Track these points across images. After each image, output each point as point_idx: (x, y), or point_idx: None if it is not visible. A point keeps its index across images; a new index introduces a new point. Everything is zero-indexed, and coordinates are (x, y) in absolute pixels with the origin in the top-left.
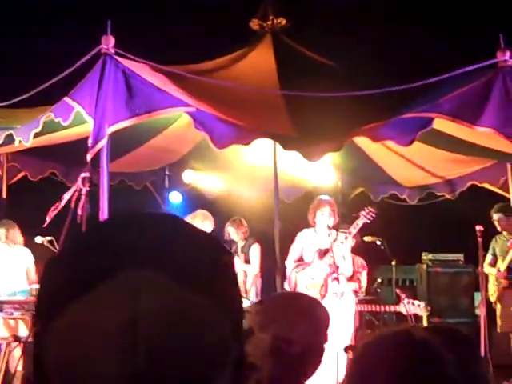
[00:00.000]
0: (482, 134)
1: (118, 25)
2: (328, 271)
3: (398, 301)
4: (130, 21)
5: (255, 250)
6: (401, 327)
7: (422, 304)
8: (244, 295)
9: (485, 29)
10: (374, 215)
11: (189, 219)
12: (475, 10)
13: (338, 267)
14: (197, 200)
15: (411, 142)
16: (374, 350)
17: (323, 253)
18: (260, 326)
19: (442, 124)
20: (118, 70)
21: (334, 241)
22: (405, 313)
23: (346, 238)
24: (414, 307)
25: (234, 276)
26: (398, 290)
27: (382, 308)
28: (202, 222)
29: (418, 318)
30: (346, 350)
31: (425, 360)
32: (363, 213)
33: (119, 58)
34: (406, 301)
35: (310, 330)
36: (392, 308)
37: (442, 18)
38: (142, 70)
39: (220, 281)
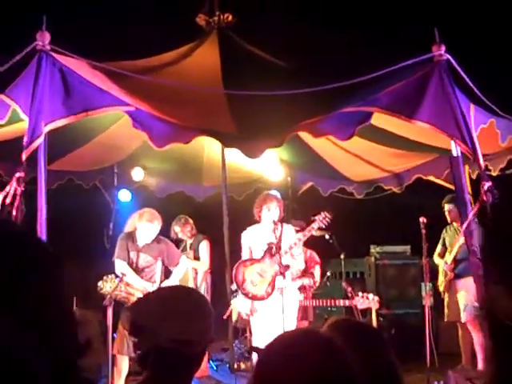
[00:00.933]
0: (421, 129)
1: (54, 20)
2: (277, 269)
3: (346, 294)
4: (68, 16)
5: (204, 247)
6: (305, 327)
7: (376, 297)
8: None
9: (420, 23)
10: (329, 220)
11: (136, 218)
12: (411, 3)
13: (288, 266)
14: (146, 198)
15: (351, 136)
16: (277, 351)
17: (273, 250)
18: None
19: (381, 121)
20: (54, 67)
21: (280, 236)
22: (359, 307)
23: (300, 239)
24: (368, 301)
25: (53, 287)
26: (344, 283)
27: (336, 302)
28: (150, 221)
29: (366, 309)
30: (251, 351)
31: (328, 361)
32: (320, 217)
33: (56, 55)
34: (360, 294)
35: (202, 326)
36: (347, 302)
37: (379, 13)
38: (80, 68)
39: (23, 294)
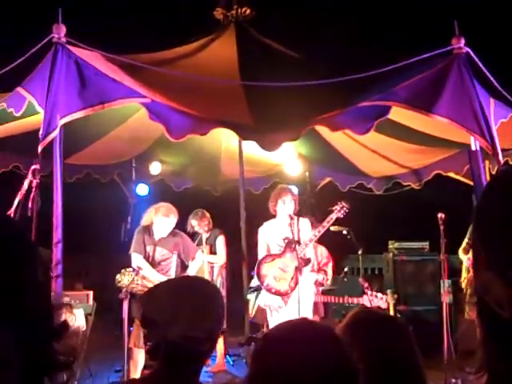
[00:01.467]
0: (439, 124)
1: (71, 13)
2: (298, 263)
3: (363, 290)
4: (86, 9)
5: (221, 242)
6: (303, 319)
7: (385, 296)
8: None
9: (440, 15)
10: (347, 210)
11: (152, 212)
12: None
13: (309, 259)
14: (164, 192)
15: (368, 131)
16: (273, 341)
17: (293, 244)
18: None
19: (401, 115)
20: (70, 59)
21: (298, 230)
22: (368, 305)
23: (320, 231)
24: (377, 299)
25: (30, 273)
26: (361, 279)
27: (346, 300)
28: (166, 215)
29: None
30: (248, 341)
31: (325, 351)
32: (337, 207)
33: (71, 48)
34: (369, 293)
35: (213, 322)
36: (355, 300)
37: (399, 7)
38: (95, 60)
39: None
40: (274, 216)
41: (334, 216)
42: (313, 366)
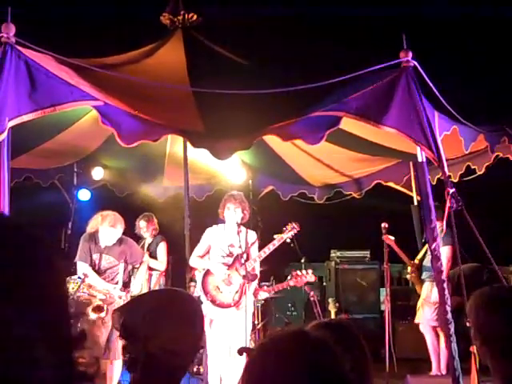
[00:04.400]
0: (387, 134)
1: (20, 14)
2: (245, 277)
3: (308, 298)
4: (32, 10)
5: (162, 249)
6: (295, 327)
7: (310, 271)
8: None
9: (389, 29)
10: (296, 231)
11: (98, 220)
12: (381, 10)
13: (256, 275)
14: (106, 197)
15: (320, 140)
16: (269, 352)
17: (243, 258)
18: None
19: (348, 124)
20: (19, 60)
21: (246, 242)
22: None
23: (270, 248)
24: (304, 278)
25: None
26: (306, 287)
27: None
28: (113, 226)
29: (325, 313)
30: (240, 352)
31: (320, 361)
32: (288, 228)
33: (21, 48)
34: (294, 273)
35: (194, 337)
36: (285, 285)
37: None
38: (47, 62)
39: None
40: (220, 222)
41: (284, 236)
42: (309, 377)
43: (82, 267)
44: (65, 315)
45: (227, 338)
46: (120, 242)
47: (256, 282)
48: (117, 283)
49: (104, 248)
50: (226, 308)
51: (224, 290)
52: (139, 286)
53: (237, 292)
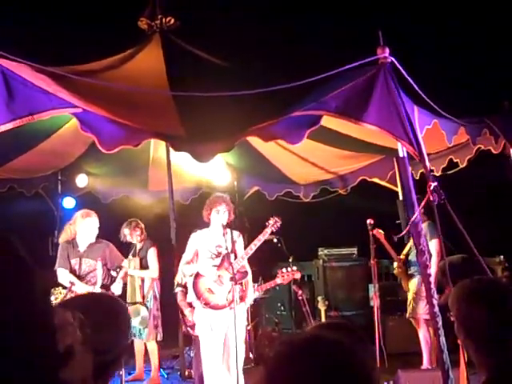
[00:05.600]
0: (369, 130)
1: None
2: (234, 276)
3: (296, 297)
4: (7, 19)
5: (152, 254)
6: (308, 332)
7: (295, 268)
8: (141, 300)
9: (366, 24)
10: (279, 224)
11: (72, 224)
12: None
13: (246, 272)
14: (91, 204)
15: (301, 140)
16: (288, 361)
17: (230, 257)
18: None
19: (329, 121)
20: None
21: (232, 242)
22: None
23: (256, 244)
24: (291, 275)
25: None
26: (294, 287)
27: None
28: (88, 215)
29: (315, 312)
30: (257, 363)
31: (341, 364)
32: (270, 222)
33: None
34: (279, 271)
35: (118, 336)
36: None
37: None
38: (23, 71)
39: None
40: (205, 226)
41: (268, 230)
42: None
43: (62, 274)
44: (46, 335)
45: (225, 339)
46: (99, 242)
47: (250, 277)
48: (95, 284)
49: (84, 252)
50: (221, 309)
51: (216, 291)
52: (120, 289)
53: (229, 292)
